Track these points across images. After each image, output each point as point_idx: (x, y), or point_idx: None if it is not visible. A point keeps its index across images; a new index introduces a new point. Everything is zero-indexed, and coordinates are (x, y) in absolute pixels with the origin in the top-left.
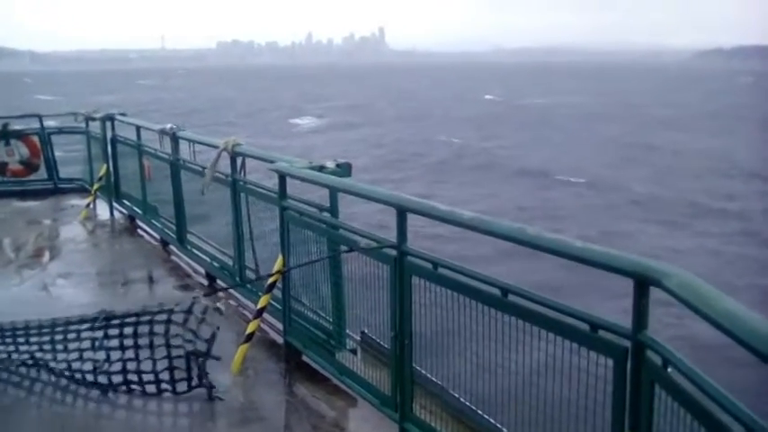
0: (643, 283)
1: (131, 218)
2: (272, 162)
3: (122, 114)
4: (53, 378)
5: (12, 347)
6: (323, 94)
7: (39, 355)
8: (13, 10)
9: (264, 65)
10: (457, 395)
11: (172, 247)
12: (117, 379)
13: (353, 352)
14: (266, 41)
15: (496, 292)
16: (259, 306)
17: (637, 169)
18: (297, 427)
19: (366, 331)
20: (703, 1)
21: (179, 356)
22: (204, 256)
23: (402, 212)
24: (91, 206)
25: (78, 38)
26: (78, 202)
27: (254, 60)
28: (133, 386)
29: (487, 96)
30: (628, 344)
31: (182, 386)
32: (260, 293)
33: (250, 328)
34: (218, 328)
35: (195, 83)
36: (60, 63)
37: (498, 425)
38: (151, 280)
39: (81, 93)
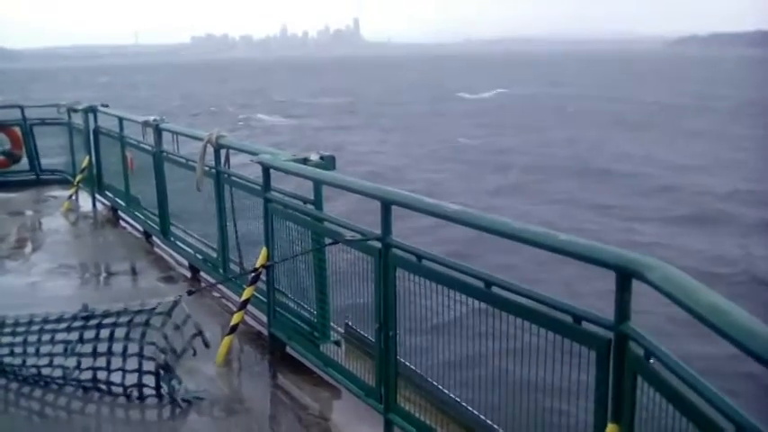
0: (625, 276)
1: (114, 210)
2: (255, 154)
3: (105, 106)
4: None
5: None
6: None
7: (7, 360)
8: None
9: (237, 59)
10: (441, 386)
11: (155, 239)
12: (87, 385)
13: (337, 344)
14: (240, 35)
15: (480, 284)
16: (243, 298)
17: None
18: (281, 419)
19: (350, 323)
20: None
21: (149, 372)
22: (188, 249)
23: (386, 205)
24: (73, 198)
25: (51, 34)
26: (61, 193)
27: (227, 54)
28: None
29: (461, 94)
30: (610, 335)
31: (151, 400)
32: (244, 285)
33: (234, 319)
34: (201, 332)
35: (153, 79)
36: (32, 60)
37: (482, 416)
38: (134, 272)
39: (15, 92)
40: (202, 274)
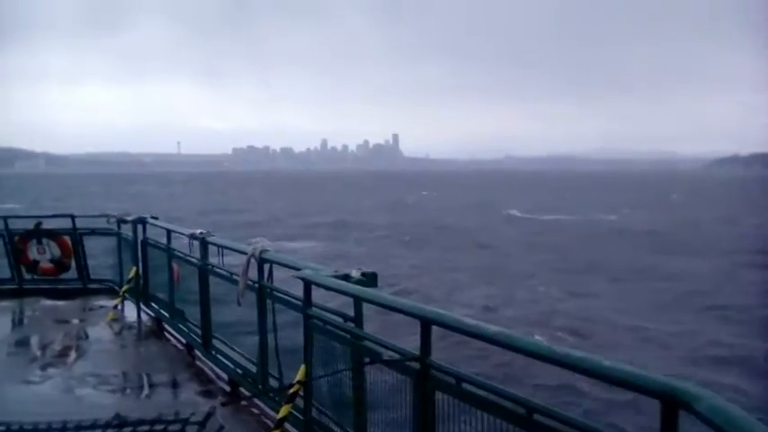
0: (671, 406)
1: (158, 321)
2: (298, 269)
3: (154, 218)
4: None
5: None
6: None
7: None
8: (32, 112)
9: (276, 171)
10: None
11: (197, 352)
12: None
13: None
14: (281, 147)
15: (522, 410)
16: (279, 416)
17: None
18: None
19: None
20: (716, 110)
21: None
22: (228, 362)
23: (426, 325)
24: (118, 307)
25: (95, 141)
26: (107, 302)
27: (269, 166)
28: None
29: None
30: None
31: None
32: (282, 402)
33: None
34: None
35: (170, 190)
36: (75, 165)
37: None
38: (174, 385)
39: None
40: (242, 389)
